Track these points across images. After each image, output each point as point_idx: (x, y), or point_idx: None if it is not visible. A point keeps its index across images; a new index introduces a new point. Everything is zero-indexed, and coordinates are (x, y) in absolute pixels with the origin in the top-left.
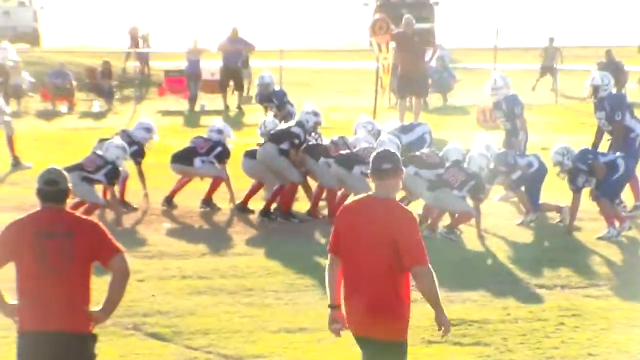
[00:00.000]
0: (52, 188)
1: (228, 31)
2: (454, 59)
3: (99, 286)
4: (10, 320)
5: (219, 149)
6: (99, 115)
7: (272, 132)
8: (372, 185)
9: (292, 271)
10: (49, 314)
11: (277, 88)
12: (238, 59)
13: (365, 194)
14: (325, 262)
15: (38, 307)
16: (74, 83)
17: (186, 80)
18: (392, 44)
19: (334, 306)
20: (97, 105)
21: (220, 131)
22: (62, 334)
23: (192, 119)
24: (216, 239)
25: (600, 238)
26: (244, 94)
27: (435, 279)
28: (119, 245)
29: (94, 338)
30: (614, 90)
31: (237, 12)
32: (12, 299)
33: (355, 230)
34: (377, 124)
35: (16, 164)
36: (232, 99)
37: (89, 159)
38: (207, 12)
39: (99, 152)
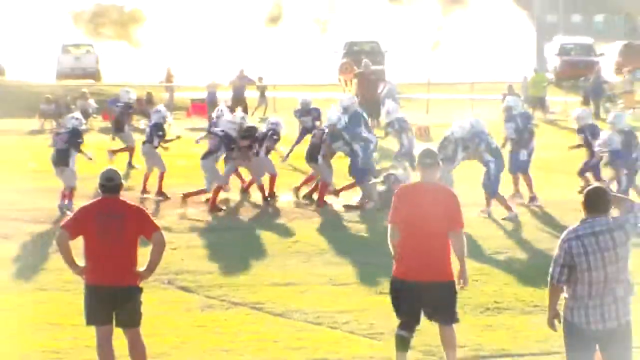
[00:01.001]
0: (109, 183)
1: (237, 71)
2: (398, 90)
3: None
4: (79, 277)
5: None
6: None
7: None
8: None
9: (284, 241)
10: (107, 272)
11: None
12: (243, 91)
13: (415, 181)
14: (303, 236)
15: (99, 268)
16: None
17: (207, 106)
18: (355, 80)
19: (397, 259)
20: (143, 123)
21: None
22: (116, 287)
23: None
24: (229, 219)
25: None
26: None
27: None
28: (157, 224)
29: (139, 290)
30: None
31: (243, 55)
32: (80, 261)
33: (416, 207)
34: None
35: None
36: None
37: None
38: (221, 58)
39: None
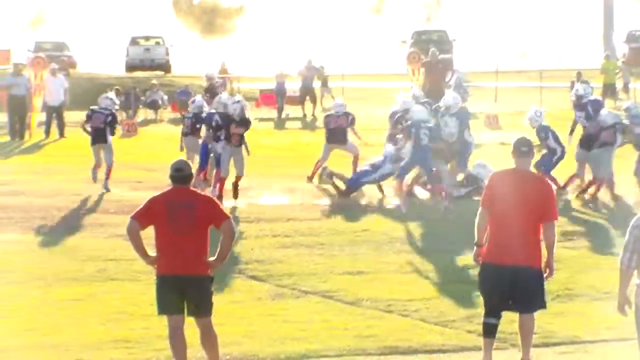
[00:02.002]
0: (179, 174)
1: (305, 62)
2: (467, 79)
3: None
4: (151, 267)
5: None
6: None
7: None
8: None
9: (352, 231)
10: (178, 262)
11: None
12: (312, 81)
13: (510, 168)
14: (373, 225)
15: (170, 257)
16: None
17: (275, 96)
18: (422, 69)
19: (479, 244)
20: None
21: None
22: (187, 276)
23: (279, 124)
24: (298, 208)
25: None
26: (319, 105)
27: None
28: (227, 212)
29: (210, 279)
30: None
31: (311, 46)
32: (152, 252)
33: (510, 192)
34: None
35: None
36: (309, 109)
37: None
38: (291, 48)
39: None
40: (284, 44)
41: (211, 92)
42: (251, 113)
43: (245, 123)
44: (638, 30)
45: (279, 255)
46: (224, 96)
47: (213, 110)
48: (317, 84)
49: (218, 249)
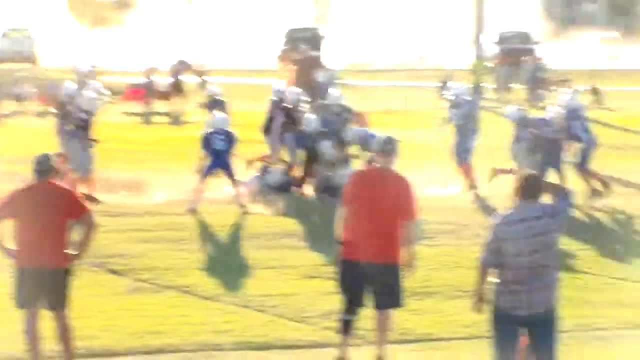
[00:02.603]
0: (40, 167)
1: (177, 57)
2: (338, 76)
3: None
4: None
5: None
6: None
7: None
8: None
9: (214, 227)
10: (36, 254)
11: None
12: (182, 77)
13: (372, 166)
14: (234, 220)
15: (28, 250)
16: None
17: (144, 91)
18: (293, 66)
19: (342, 242)
20: None
21: None
22: (45, 269)
23: (147, 118)
24: (162, 203)
25: None
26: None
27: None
28: (87, 205)
29: (68, 272)
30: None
31: (180, 41)
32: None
33: (371, 191)
34: None
35: None
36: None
37: None
38: (157, 43)
39: None
40: (167, 39)
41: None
42: (117, 107)
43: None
44: (509, 32)
45: (140, 250)
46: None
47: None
48: (194, 79)
49: (78, 242)
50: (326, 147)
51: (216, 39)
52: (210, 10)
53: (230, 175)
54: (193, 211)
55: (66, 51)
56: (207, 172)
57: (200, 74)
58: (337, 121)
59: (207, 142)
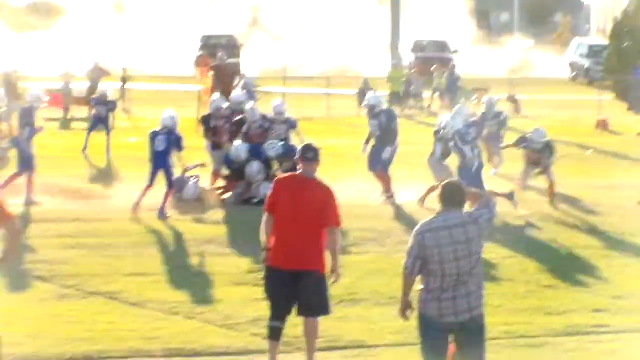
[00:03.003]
0: None
1: (92, 63)
2: (255, 84)
3: None
4: None
5: None
6: None
7: None
8: None
9: (138, 232)
10: None
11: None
12: (98, 82)
13: (295, 173)
14: (160, 226)
15: None
16: None
17: (62, 96)
18: (211, 73)
19: (266, 248)
20: None
21: None
22: None
23: (65, 124)
24: (84, 209)
25: None
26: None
27: (339, 239)
28: (11, 212)
29: None
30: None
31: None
32: None
33: (294, 198)
34: None
35: None
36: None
37: None
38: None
39: None
40: (91, 46)
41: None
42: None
43: None
44: (424, 40)
45: (64, 256)
46: None
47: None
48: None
49: (2, 249)
50: (253, 170)
51: (141, 46)
52: (140, 18)
53: (167, 177)
54: (136, 213)
55: None
56: (151, 174)
57: (123, 79)
58: (260, 134)
59: (150, 142)
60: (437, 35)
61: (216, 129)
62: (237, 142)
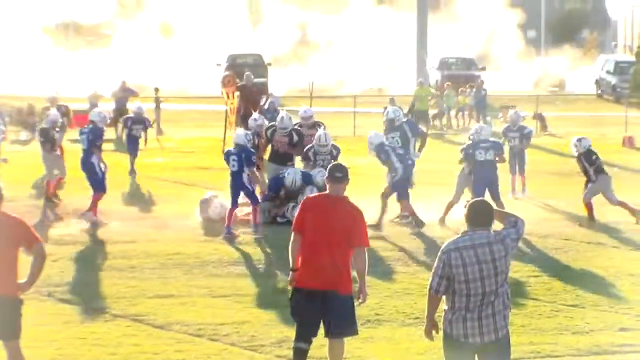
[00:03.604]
0: None
1: (119, 83)
2: (281, 103)
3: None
4: None
5: None
6: (24, 143)
7: None
8: None
9: (164, 254)
10: None
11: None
12: (125, 102)
13: (324, 193)
14: (185, 248)
15: None
16: (7, 119)
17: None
18: (237, 93)
19: (294, 269)
20: (24, 135)
21: None
22: None
23: None
24: (111, 231)
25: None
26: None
27: (367, 257)
28: (38, 235)
29: (19, 301)
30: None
31: (125, 68)
32: None
33: (322, 218)
34: None
35: None
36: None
37: None
38: (103, 68)
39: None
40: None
41: None
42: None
43: None
44: (451, 58)
45: (90, 278)
46: None
47: None
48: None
49: (29, 271)
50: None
51: (170, 65)
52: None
53: (247, 195)
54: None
55: None
56: (232, 196)
57: (156, 100)
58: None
59: (225, 162)
60: (463, 53)
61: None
62: (289, 168)
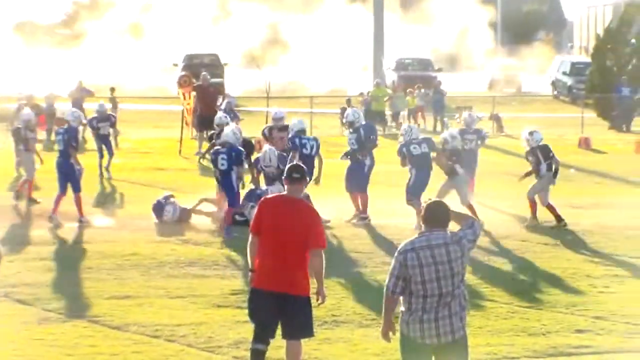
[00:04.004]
0: None
1: (75, 83)
2: (238, 104)
3: None
4: None
5: None
6: None
7: None
8: None
9: (121, 255)
10: None
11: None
12: (82, 103)
13: (280, 194)
14: (141, 249)
15: None
16: None
17: (45, 117)
18: (194, 93)
19: (252, 270)
20: None
21: None
22: None
23: (49, 145)
24: (67, 232)
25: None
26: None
27: (323, 260)
28: None
29: None
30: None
31: (82, 68)
32: None
33: (279, 219)
34: None
35: None
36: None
37: None
38: (59, 68)
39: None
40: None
41: None
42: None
43: None
44: (407, 59)
45: (46, 279)
46: None
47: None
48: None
49: None
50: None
51: (124, 64)
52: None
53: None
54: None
55: None
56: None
57: (113, 100)
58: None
59: (212, 162)
60: (420, 53)
61: None
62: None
